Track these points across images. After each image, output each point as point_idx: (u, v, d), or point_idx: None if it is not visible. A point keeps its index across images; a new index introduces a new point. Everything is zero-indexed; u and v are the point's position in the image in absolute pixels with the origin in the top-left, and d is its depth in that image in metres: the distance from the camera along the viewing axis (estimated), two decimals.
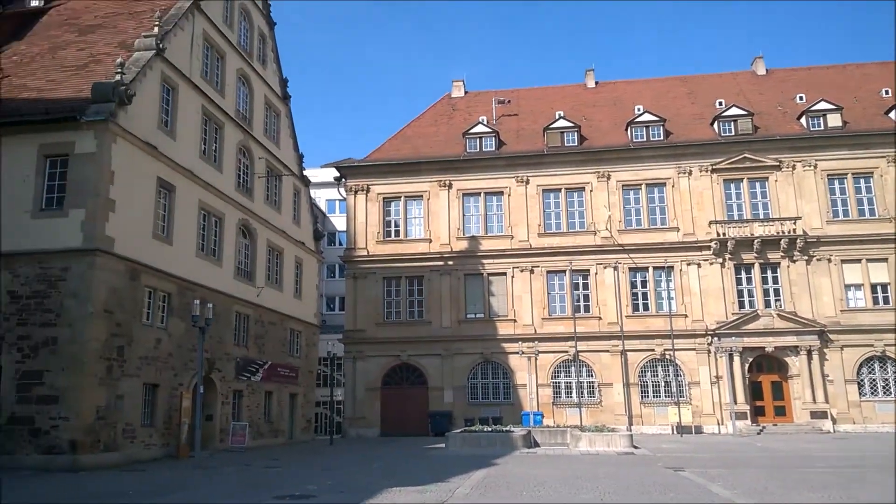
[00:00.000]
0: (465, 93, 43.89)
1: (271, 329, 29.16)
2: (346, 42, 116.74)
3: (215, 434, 23.89)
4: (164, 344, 21.26)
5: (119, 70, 19.54)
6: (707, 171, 35.33)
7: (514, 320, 34.97)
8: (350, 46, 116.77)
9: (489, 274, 35.76)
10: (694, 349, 33.44)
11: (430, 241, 36.51)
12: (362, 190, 37.53)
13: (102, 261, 18.43)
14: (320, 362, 36.89)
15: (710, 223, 34.41)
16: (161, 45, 21.37)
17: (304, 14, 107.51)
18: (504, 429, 24.89)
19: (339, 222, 49.01)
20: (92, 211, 18.35)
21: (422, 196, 37.24)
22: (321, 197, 48.68)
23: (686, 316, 33.87)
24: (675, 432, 31.45)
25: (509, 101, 41.74)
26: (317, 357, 35.28)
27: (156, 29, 21.45)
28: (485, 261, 35.83)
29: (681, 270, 34.49)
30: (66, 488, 13.74)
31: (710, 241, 34.09)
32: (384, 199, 37.53)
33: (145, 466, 18.22)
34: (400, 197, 37.47)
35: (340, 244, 46.70)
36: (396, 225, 37.40)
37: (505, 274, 35.60)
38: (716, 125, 36.74)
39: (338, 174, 38.43)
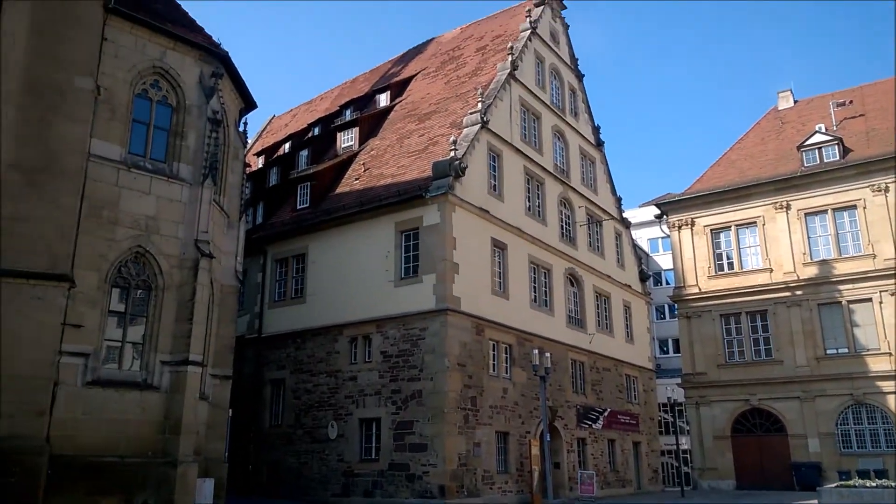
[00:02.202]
0: (795, 102, 39.60)
1: (606, 375, 29.09)
2: (651, 74, 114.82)
3: (564, 482, 24.37)
4: (510, 393, 22.56)
5: (453, 147, 21.94)
6: None
7: (891, 353, 29.58)
8: (656, 78, 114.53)
9: (849, 301, 30.99)
10: None
11: (771, 270, 33.10)
12: (686, 224, 35.85)
13: (453, 319, 20.44)
14: (660, 408, 35.56)
15: None
16: (485, 119, 23.47)
17: (606, 54, 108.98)
18: (894, 484, 20.92)
19: (663, 261, 47.44)
20: (441, 275, 20.59)
21: (755, 222, 34.16)
22: (642, 237, 47.82)
23: None
24: None
25: (851, 102, 36.47)
26: (656, 403, 34.09)
27: (479, 105, 23.67)
28: (842, 287, 31.20)
29: None
30: None
31: None
32: (712, 230, 35.29)
33: None
34: (730, 226, 34.88)
35: (667, 283, 45.05)
36: (729, 257, 34.78)
37: (870, 300, 30.50)
38: None
39: (658, 211, 37.38)
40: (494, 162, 24.10)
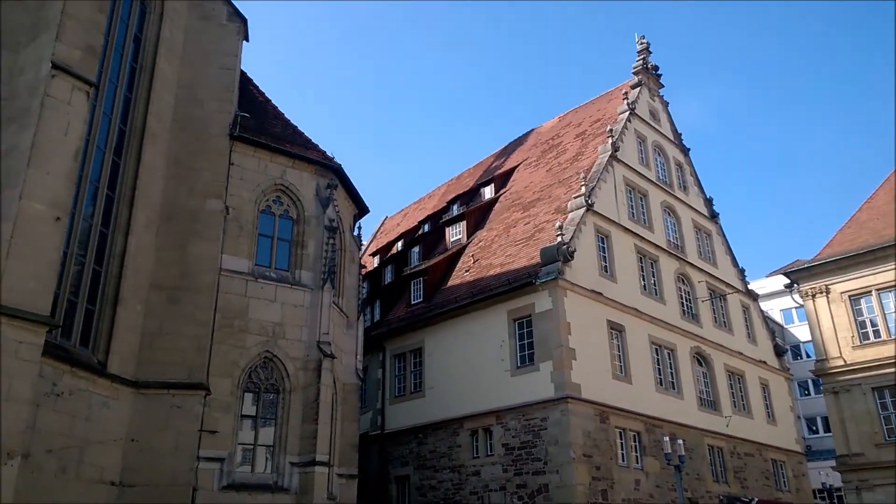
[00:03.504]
0: None
1: (749, 461, 26.86)
2: (762, 141, 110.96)
3: None
4: (643, 485, 21.27)
5: (559, 232, 21.98)
6: None
7: None
8: (767, 144, 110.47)
9: None
10: None
11: None
12: (821, 292, 33.35)
13: (574, 406, 19.81)
14: (816, 495, 32.18)
15: None
16: (590, 201, 23.46)
17: (714, 124, 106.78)
18: None
19: (800, 332, 44.16)
20: (558, 361, 20.18)
21: None
22: (774, 308, 44.92)
23: None
24: None
25: None
26: (810, 489, 30.90)
27: (583, 188, 23.75)
28: None
29: None
30: None
31: None
32: (850, 297, 32.59)
33: None
34: (870, 291, 32.11)
35: (808, 356, 41.68)
36: (873, 324, 31.81)
37: None
38: None
39: (788, 281, 35.14)
40: (603, 243, 23.84)
